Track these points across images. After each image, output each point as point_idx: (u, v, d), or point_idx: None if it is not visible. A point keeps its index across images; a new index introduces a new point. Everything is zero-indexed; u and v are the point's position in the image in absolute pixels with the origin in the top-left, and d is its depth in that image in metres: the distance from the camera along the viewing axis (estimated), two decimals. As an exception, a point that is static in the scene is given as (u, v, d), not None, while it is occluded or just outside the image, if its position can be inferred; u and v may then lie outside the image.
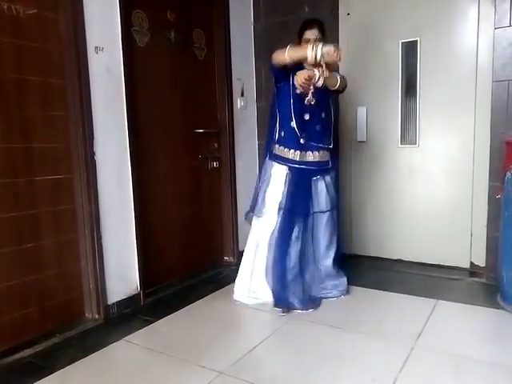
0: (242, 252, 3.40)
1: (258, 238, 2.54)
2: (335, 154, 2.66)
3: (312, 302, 2.46)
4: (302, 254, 2.49)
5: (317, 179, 2.50)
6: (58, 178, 2.22)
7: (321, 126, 2.45)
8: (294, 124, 2.41)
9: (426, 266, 3.06)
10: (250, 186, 3.55)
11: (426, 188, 3.07)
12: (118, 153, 2.43)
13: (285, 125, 2.47)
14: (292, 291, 2.43)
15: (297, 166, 2.45)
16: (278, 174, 2.48)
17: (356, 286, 2.75)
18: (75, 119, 2.23)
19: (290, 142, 2.45)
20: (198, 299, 2.64)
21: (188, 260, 3.04)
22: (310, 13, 3.14)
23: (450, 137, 2.94)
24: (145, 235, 2.62)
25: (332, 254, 2.59)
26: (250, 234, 2.62)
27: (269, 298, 2.46)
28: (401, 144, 3.13)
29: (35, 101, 2.10)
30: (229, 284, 2.89)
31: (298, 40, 2.43)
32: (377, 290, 2.68)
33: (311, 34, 2.38)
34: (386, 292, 2.65)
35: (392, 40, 3.05)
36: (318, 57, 2.15)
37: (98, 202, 2.32)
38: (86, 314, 2.37)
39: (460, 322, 2.24)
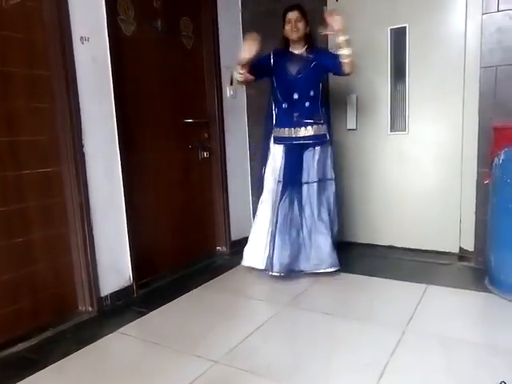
0: (235, 241, 3.45)
1: (264, 209, 2.84)
2: (330, 129, 2.83)
3: (291, 271, 2.71)
4: (293, 221, 2.70)
5: (310, 151, 2.69)
6: (47, 171, 2.19)
7: (309, 103, 2.67)
8: (285, 105, 2.71)
9: (416, 251, 3.10)
10: (241, 176, 3.57)
11: (415, 175, 3.09)
12: (106, 144, 2.41)
13: (278, 108, 2.76)
14: (279, 255, 2.65)
15: (292, 142, 2.70)
16: (277, 153, 2.76)
17: (348, 272, 2.79)
18: (62, 111, 2.20)
19: (284, 121, 2.72)
20: (192, 289, 2.65)
21: (180, 250, 3.04)
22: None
23: (438, 123, 2.96)
24: (136, 226, 2.61)
25: (323, 223, 2.72)
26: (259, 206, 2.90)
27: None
28: (390, 131, 3.14)
29: (20, 93, 2.07)
30: (222, 273, 2.92)
31: (283, 23, 2.69)
32: (369, 277, 2.71)
33: (292, 14, 2.65)
34: (377, 278, 2.69)
35: (381, 27, 3.04)
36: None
37: (88, 194, 2.31)
38: (79, 307, 2.36)
39: (449, 306, 2.28)
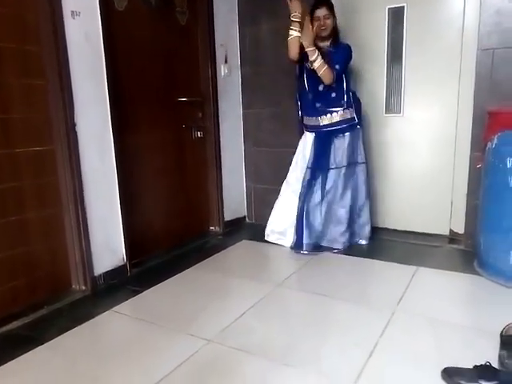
0: (228, 222, 3.47)
1: (290, 188, 3.00)
2: (360, 113, 2.88)
3: (316, 249, 2.89)
4: (318, 204, 2.86)
5: (340, 137, 2.82)
6: (40, 150, 2.17)
7: (335, 93, 2.77)
8: (311, 96, 2.82)
9: (407, 233, 3.14)
10: (235, 156, 3.56)
11: (409, 157, 3.10)
12: (99, 123, 2.38)
13: (304, 97, 2.88)
14: (307, 235, 2.84)
15: (321, 129, 2.83)
16: (308, 141, 2.90)
17: (340, 253, 2.83)
18: (54, 88, 2.16)
19: (311, 110, 2.85)
20: (185, 269, 2.67)
21: (174, 230, 3.05)
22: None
23: (434, 106, 2.95)
24: (130, 206, 2.61)
25: (346, 203, 2.88)
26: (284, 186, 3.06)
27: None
28: (385, 113, 3.13)
29: (11, 69, 2.02)
30: (215, 253, 2.94)
31: (310, 17, 2.70)
32: (360, 258, 2.76)
33: (320, 12, 2.69)
34: (368, 259, 2.73)
35: (379, 5, 2.99)
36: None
37: (81, 173, 2.29)
38: (73, 286, 2.38)
39: (439, 288, 2.33)
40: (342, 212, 2.87)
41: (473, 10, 2.66)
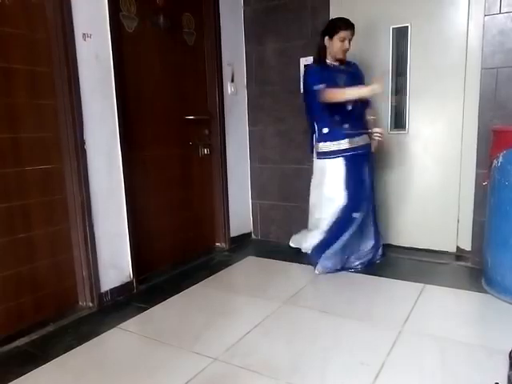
0: (234, 238, 3.48)
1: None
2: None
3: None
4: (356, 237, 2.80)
5: (368, 162, 2.77)
6: (48, 168, 2.21)
7: (359, 112, 2.73)
8: (338, 118, 2.66)
9: (414, 250, 3.13)
10: (241, 173, 3.59)
11: (414, 174, 3.11)
12: (108, 141, 2.42)
13: (329, 123, 2.68)
14: (334, 259, 2.78)
15: (351, 153, 2.67)
16: (334, 168, 2.70)
17: (346, 270, 2.81)
18: (64, 108, 2.21)
19: (338, 134, 2.66)
20: (191, 285, 2.67)
21: (180, 246, 3.06)
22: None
23: (438, 123, 2.97)
24: (136, 223, 2.63)
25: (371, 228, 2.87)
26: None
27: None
28: (390, 130, 3.15)
29: (23, 89, 2.07)
30: (221, 270, 2.94)
31: (323, 37, 2.68)
32: (366, 275, 2.74)
33: (346, 34, 2.63)
34: (375, 276, 2.72)
35: (383, 25, 3.04)
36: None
37: (89, 190, 2.32)
38: (80, 302, 2.39)
39: (446, 306, 2.31)
40: (371, 230, 2.87)
41: (476, 30, 2.70)
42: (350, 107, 2.66)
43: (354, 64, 2.83)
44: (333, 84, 2.61)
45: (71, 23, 2.16)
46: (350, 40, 2.67)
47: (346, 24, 2.63)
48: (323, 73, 2.67)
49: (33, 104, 2.12)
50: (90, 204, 2.32)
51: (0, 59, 1.97)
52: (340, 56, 2.69)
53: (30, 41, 2.09)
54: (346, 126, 2.67)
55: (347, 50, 2.69)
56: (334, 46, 2.66)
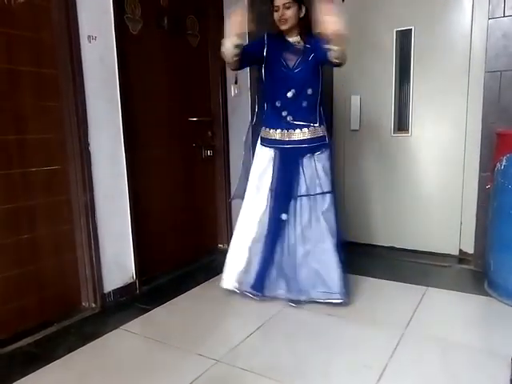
0: (236, 239, 3.45)
1: (247, 221, 2.45)
2: (328, 131, 2.45)
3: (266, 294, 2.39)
4: (284, 239, 2.37)
5: (309, 158, 2.33)
6: (53, 169, 2.22)
7: (307, 102, 2.31)
8: (278, 104, 2.33)
9: (416, 253, 3.13)
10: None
11: (417, 176, 3.11)
12: (112, 142, 2.43)
13: (269, 106, 2.40)
14: (263, 277, 2.38)
15: (284, 145, 2.34)
16: (264, 157, 2.40)
17: (348, 273, 2.81)
18: (69, 109, 2.22)
19: (276, 122, 2.36)
20: (194, 287, 2.68)
21: (183, 248, 3.07)
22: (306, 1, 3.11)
23: (442, 126, 2.97)
24: (140, 224, 2.64)
25: (325, 243, 2.31)
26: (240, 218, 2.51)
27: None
28: (393, 133, 3.15)
29: (28, 91, 2.08)
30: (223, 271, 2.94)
31: (271, 7, 2.30)
32: (369, 278, 2.74)
33: (279, 1, 2.23)
34: (377, 279, 2.71)
35: (387, 28, 3.05)
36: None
37: (93, 192, 2.33)
38: (83, 303, 2.40)
39: (448, 309, 2.31)
40: (330, 253, 2.31)
41: (480, 33, 2.70)
42: (290, 94, 2.29)
43: (318, 39, 2.13)
44: (275, 61, 2.30)
45: (76, 25, 2.17)
46: (286, 8, 2.21)
47: None
48: (270, 43, 2.32)
49: (38, 106, 2.13)
50: (93, 205, 2.33)
51: (6, 61, 1.98)
52: (282, 27, 2.27)
53: (36, 43, 2.10)
54: (285, 113, 2.31)
55: (286, 19, 2.23)
56: (274, 17, 2.27)
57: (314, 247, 2.33)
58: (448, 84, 2.90)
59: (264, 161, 2.41)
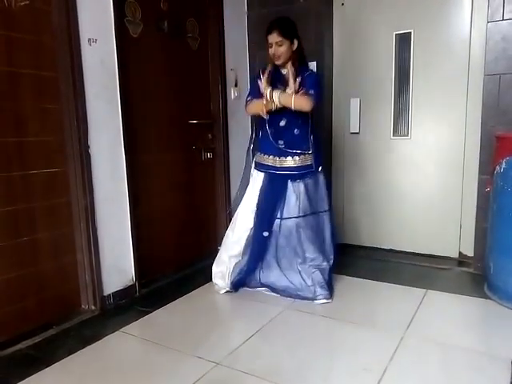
0: (236, 242, 3.46)
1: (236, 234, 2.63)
2: (319, 158, 2.53)
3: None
4: (267, 255, 2.55)
5: (298, 183, 2.47)
6: (53, 172, 2.22)
7: (298, 130, 2.46)
8: (272, 131, 2.47)
9: (416, 255, 3.13)
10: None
11: (417, 179, 3.11)
12: (112, 145, 2.43)
13: (263, 132, 2.54)
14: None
15: (276, 172, 2.49)
16: (258, 180, 2.56)
17: (348, 275, 2.82)
18: (69, 112, 2.22)
19: (269, 148, 2.51)
20: (193, 289, 2.68)
21: (183, 250, 3.07)
22: (305, 3, 3.13)
23: (441, 129, 2.98)
24: (140, 226, 2.64)
25: (300, 267, 2.49)
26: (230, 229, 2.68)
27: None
28: (393, 136, 3.16)
29: (28, 94, 2.09)
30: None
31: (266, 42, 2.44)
32: (369, 280, 2.74)
33: (271, 38, 2.37)
34: (377, 282, 2.71)
35: (386, 31, 3.06)
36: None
37: (93, 194, 2.33)
38: (83, 306, 2.39)
39: (448, 312, 2.31)
40: (304, 266, 2.48)
41: (479, 37, 2.71)
42: (282, 123, 2.44)
43: (308, 73, 2.42)
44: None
45: (77, 28, 2.18)
46: (279, 45, 2.35)
47: (269, 26, 2.39)
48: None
49: (38, 108, 2.13)
50: (93, 208, 2.33)
51: (6, 63, 1.99)
52: (276, 62, 2.42)
53: (36, 45, 2.10)
54: (280, 142, 2.46)
55: (278, 56, 2.38)
56: (268, 52, 2.42)
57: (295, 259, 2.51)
58: (447, 87, 2.90)
59: (258, 184, 2.56)
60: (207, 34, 3.15)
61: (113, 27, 2.37)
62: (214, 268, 2.67)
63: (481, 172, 2.70)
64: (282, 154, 2.47)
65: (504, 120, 2.55)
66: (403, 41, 3.02)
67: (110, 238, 2.45)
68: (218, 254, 2.71)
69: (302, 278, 2.47)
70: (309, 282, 2.45)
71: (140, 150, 2.65)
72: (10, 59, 2.00)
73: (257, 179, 2.57)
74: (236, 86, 3.38)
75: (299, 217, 2.46)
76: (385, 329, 2.11)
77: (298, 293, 2.47)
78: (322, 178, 2.55)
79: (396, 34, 3.03)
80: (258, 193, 2.54)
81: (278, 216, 2.49)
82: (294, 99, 2.32)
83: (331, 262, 2.57)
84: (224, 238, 2.71)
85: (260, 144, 2.58)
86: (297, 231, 2.48)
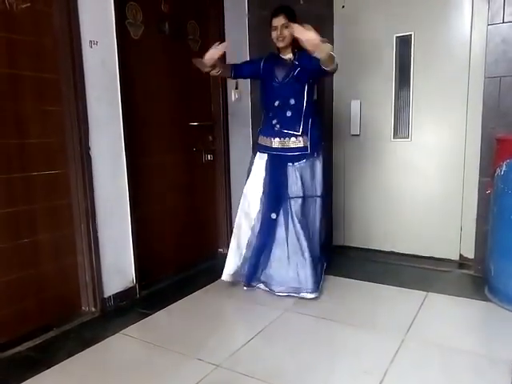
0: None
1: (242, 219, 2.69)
2: (320, 142, 2.59)
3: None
4: (273, 237, 2.59)
5: (293, 166, 2.53)
6: (54, 173, 2.22)
7: (291, 112, 2.51)
8: (270, 114, 2.58)
9: (417, 257, 3.13)
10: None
11: (417, 181, 3.11)
12: (113, 147, 2.43)
13: (264, 116, 2.66)
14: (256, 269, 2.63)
15: (274, 152, 2.58)
16: (260, 162, 2.64)
17: (349, 278, 2.81)
18: (70, 114, 2.23)
19: (267, 130, 2.61)
20: (194, 291, 2.67)
21: (183, 252, 3.07)
22: (305, 5, 3.13)
23: (442, 131, 2.98)
24: (140, 228, 2.64)
25: (303, 244, 2.51)
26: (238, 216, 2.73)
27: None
28: (393, 138, 3.16)
29: (30, 96, 2.09)
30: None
31: (269, 28, 2.53)
32: (369, 282, 2.74)
33: (277, 21, 2.47)
34: (378, 284, 2.71)
35: (387, 34, 3.06)
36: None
37: (94, 196, 2.33)
38: (83, 307, 2.39)
39: (449, 315, 2.30)
40: (303, 248, 2.50)
41: (479, 39, 2.71)
42: (276, 103, 2.53)
43: (306, 55, 2.27)
44: (268, 76, 2.56)
45: (78, 30, 2.18)
46: (285, 26, 2.43)
47: (274, 11, 2.49)
48: (267, 62, 2.59)
49: (40, 110, 2.14)
50: (94, 209, 2.33)
51: (8, 65, 1.99)
52: (279, 45, 2.51)
53: (38, 48, 2.11)
54: (274, 121, 2.54)
55: (283, 37, 2.46)
56: (272, 36, 2.51)
57: (293, 247, 2.53)
58: (448, 89, 2.90)
59: (261, 165, 2.64)
60: (208, 36, 3.15)
61: (114, 29, 2.38)
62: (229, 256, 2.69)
63: (481, 174, 2.70)
64: (277, 135, 2.55)
65: (504, 122, 2.55)
66: (404, 43, 3.02)
67: (111, 239, 2.45)
68: (231, 244, 2.72)
69: (296, 268, 2.51)
70: (301, 274, 2.49)
71: (141, 152, 2.66)
72: (11, 61, 2.01)
73: (258, 160, 2.65)
74: (237, 88, 3.38)
75: (298, 197, 2.52)
76: (385, 331, 2.11)
77: (293, 285, 2.52)
78: (318, 163, 2.59)
79: (396, 37, 3.04)
80: (263, 175, 2.61)
81: (287, 196, 2.53)
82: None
83: (317, 251, 2.63)
84: (235, 228, 2.72)
85: (261, 126, 2.69)
86: (296, 212, 2.52)
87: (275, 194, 2.57)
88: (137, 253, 2.60)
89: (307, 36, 2.10)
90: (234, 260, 2.66)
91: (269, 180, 2.59)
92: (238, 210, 2.72)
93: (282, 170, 2.55)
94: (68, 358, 1.93)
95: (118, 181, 2.48)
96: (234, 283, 2.69)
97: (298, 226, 2.51)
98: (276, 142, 2.56)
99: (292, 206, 2.53)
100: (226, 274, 2.67)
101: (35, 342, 2.08)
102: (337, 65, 2.32)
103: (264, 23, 3.37)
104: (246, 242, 2.65)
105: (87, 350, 2.01)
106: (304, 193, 2.54)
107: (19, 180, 2.07)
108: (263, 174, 2.61)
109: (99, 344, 2.06)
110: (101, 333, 2.16)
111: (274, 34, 2.50)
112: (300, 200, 2.53)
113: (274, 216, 2.57)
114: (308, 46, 2.13)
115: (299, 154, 2.52)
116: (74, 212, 2.31)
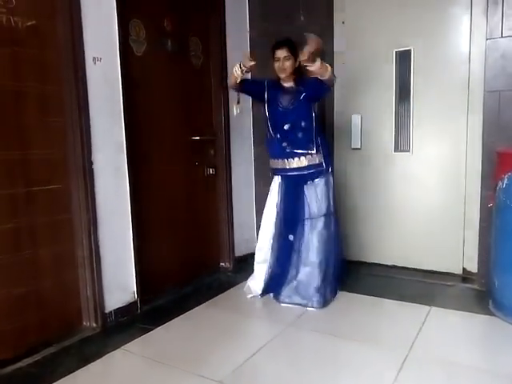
0: (238, 257, 3.47)
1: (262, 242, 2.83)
2: (331, 157, 2.74)
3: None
4: (288, 256, 2.70)
5: (311, 184, 2.63)
6: (56, 188, 2.23)
7: (302, 133, 2.62)
8: (278, 136, 2.67)
9: (419, 271, 3.11)
10: (246, 193, 3.61)
11: (419, 195, 3.11)
12: (115, 162, 2.45)
13: (271, 139, 2.73)
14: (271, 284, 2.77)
15: (287, 173, 2.68)
16: (274, 185, 2.76)
17: (351, 292, 2.79)
18: (73, 129, 2.24)
19: (277, 152, 2.70)
20: (195, 306, 2.66)
21: (185, 266, 3.05)
22: (306, 21, 3.18)
23: (443, 145, 2.99)
24: (142, 243, 2.63)
25: (315, 261, 2.61)
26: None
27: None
28: (394, 151, 3.17)
29: (33, 110, 2.11)
30: (225, 290, 2.93)
31: (272, 58, 2.65)
32: (372, 297, 2.72)
33: (280, 53, 2.60)
34: (380, 298, 2.69)
35: (386, 49, 3.09)
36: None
37: (96, 210, 2.33)
38: (84, 323, 2.37)
39: (453, 329, 2.28)
40: (315, 267, 2.60)
41: (478, 54, 2.74)
42: (286, 126, 2.63)
43: (307, 80, 2.58)
44: (273, 102, 2.68)
45: (82, 47, 2.21)
46: (286, 60, 2.58)
47: (278, 43, 2.62)
48: (270, 88, 2.69)
49: (42, 124, 2.15)
50: (96, 224, 2.33)
51: (12, 79, 2.02)
52: (281, 75, 2.63)
53: (42, 65, 2.14)
54: (285, 144, 2.64)
55: (285, 69, 2.59)
56: (275, 67, 2.64)
57: (305, 261, 2.65)
58: (448, 103, 2.92)
59: (276, 189, 2.76)
60: (210, 52, 3.20)
61: (117, 46, 2.41)
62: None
63: (483, 187, 2.70)
64: (289, 155, 2.64)
65: (505, 136, 2.56)
66: (403, 58, 3.05)
67: (112, 254, 2.44)
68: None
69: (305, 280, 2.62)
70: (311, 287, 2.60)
71: (143, 167, 2.67)
72: (16, 76, 2.03)
73: (274, 184, 2.76)
74: (238, 103, 3.37)
75: (319, 217, 2.62)
76: (389, 347, 2.08)
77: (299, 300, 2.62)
78: (331, 179, 2.70)
79: (396, 52, 3.07)
80: (277, 197, 2.72)
81: (302, 217, 2.64)
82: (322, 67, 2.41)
83: (331, 268, 2.69)
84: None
85: (270, 151, 2.77)
86: (310, 232, 2.63)
87: (292, 215, 2.67)
88: (138, 268, 2.59)
89: (316, 67, 2.36)
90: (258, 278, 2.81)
91: (284, 201, 2.71)
92: (260, 232, 2.85)
93: (298, 189, 2.65)
94: (69, 374, 1.92)
95: (121, 195, 2.49)
96: (238, 297, 2.74)
97: (315, 240, 2.61)
98: (290, 163, 2.65)
99: (310, 225, 2.63)
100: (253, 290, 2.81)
101: (35, 358, 2.06)
102: (334, 75, 2.55)
103: (265, 35, 3.44)
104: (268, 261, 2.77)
105: (88, 365, 1.99)
106: (323, 209, 2.62)
107: (21, 194, 2.07)
108: (276, 197, 2.73)
109: (100, 360, 2.04)
110: (102, 348, 2.15)
111: (277, 65, 2.62)
112: (320, 217, 2.62)
113: (291, 238, 2.69)
114: (316, 74, 2.41)
115: (315, 172, 2.63)
116: (76, 226, 2.31)
